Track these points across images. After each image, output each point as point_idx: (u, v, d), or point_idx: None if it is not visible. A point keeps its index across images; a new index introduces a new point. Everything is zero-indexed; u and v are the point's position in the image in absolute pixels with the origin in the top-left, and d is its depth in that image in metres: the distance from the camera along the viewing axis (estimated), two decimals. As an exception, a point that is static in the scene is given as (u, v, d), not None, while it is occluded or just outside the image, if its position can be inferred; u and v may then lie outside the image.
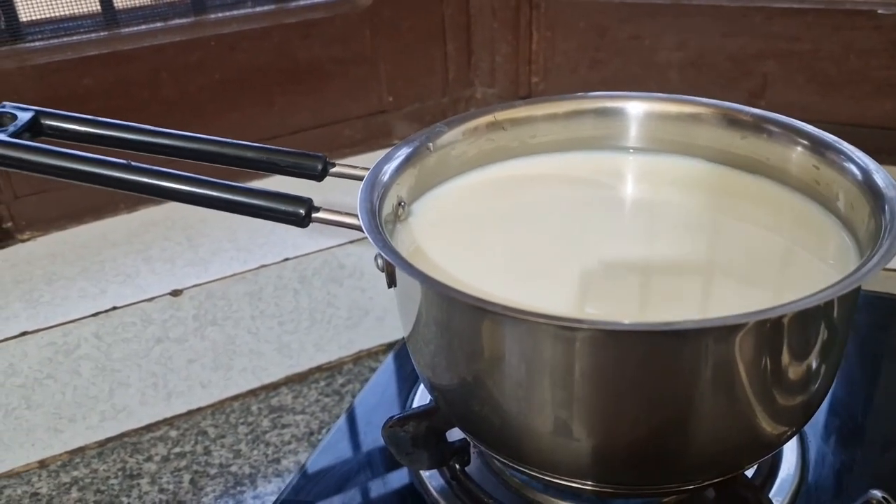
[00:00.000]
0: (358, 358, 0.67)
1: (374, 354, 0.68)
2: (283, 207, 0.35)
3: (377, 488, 0.44)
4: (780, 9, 0.66)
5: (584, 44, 0.73)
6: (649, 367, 0.33)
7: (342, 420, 0.51)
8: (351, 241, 0.64)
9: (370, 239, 0.33)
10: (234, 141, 0.38)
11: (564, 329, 0.31)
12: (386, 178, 0.38)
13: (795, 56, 0.67)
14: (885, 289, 0.57)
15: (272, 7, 0.72)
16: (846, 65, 0.66)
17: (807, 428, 0.46)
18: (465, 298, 0.30)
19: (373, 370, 0.65)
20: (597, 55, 0.73)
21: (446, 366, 0.36)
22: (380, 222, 0.35)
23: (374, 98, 0.78)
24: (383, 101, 0.78)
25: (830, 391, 0.48)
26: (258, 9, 0.72)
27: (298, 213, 0.35)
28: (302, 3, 0.73)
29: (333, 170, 0.39)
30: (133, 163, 0.34)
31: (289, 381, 0.65)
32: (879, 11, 0.63)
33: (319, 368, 0.66)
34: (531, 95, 0.78)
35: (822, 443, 0.45)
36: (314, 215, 0.35)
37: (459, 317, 0.33)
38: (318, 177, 0.39)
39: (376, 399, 0.52)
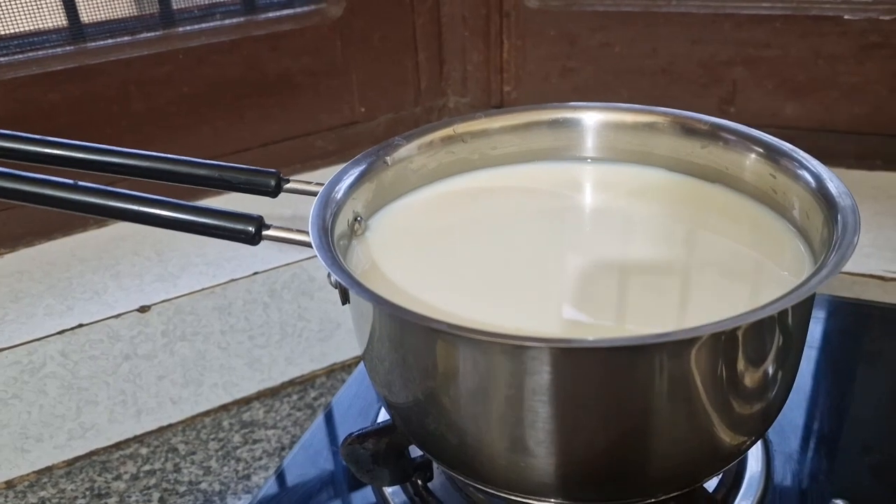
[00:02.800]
0: (331, 371, 0.67)
1: (348, 367, 0.67)
2: (232, 225, 0.34)
3: (341, 506, 0.44)
4: (749, 16, 0.66)
5: (555, 52, 0.73)
6: (603, 384, 0.33)
7: (307, 436, 0.51)
8: (321, 254, 0.64)
9: (319, 257, 0.32)
10: (186, 158, 0.37)
11: (515, 347, 0.31)
12: (340, 194, 0.38)
13: (764, 62, 0.67)
14: (853, 294, 0.57)
15: (241, 20, 0.72)
16: (814, 70, 0.66)
17: (772, 436, 0.46)
18: (413, 318, 0.30)
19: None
20: (568, 63, 0.73)
21: (401, 384, 0.35)
22: (332, 239, 0.35)
23: (347, 109, 0.77)
24: (355, 112, 0.78)
25: (805, 399, 0.49)
26: (226, 21, 0.71)
27: (248, 231, 0.34)
28: (271, 15, 0.73)
29: (287, 186, 0.39)
30: (80, 183, 0.33)
31: (260, 395, 0.65)
32: (845, 17, 0.63)
33: (292, 382, 0.66)
34: (504, 104, 0.78)
35: (787, 451, 0.45)
36: (265, 233, 0.35)
37: (411, 336, 0.33)
38: (272, 193, 0.38)
39: (342, 415, 0.52)
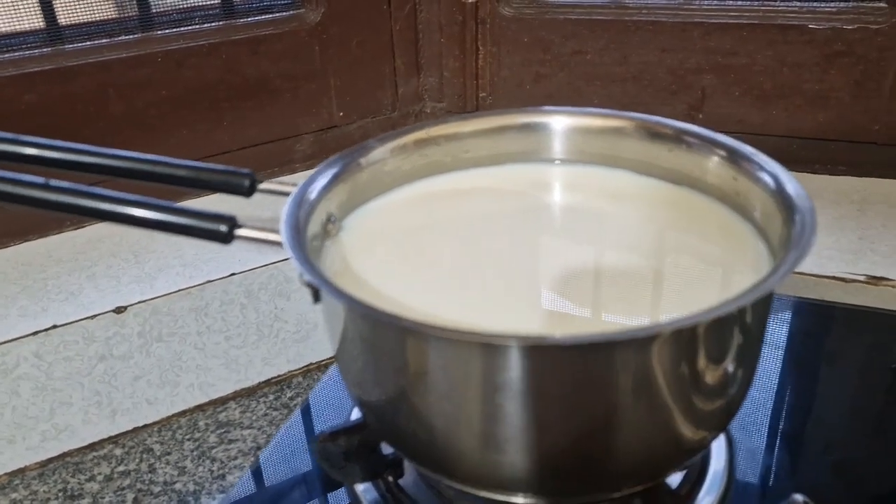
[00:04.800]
0: (307, 371, 0.67)
1: (324, 367, 0.68)
2: (205, 225, 0.35)
3: (314, 505, 0.45)
4: (717, 24, 0.68)
5: (529, 58, 0.75)
6: (568, 380, 0.33)
7: (281, 433, 0.51)
8: (297, 256, 0.64)
9: (291, 257, 0.33)
10: (160, 158, 0.38)
11: (482, 345, 0.32)
12: (314, 194, 0.39)
13: (732, 70, 0.69)
14: (816, 295, 0.58)
15: (220, 23, 0.73)
16: (780, 78, 0.67)
17: (736, 434, 0.47)
18: (382, 317, 0.31)
19: (323, 383, 0.65)
20: (541, 70, 0.75)
21: (373, 382, 0.36)
22: (304, 239, 0.36)
23: (325, 113, 0.78)
24: (333, 117, 0.78)
25: (769, 397, 0.50)
26: (205, 25, 0.72)
27: (220, 231, 0.35)
28: (250, 19, 0.74)
29: (261, 186, 0.39)
30: (51, 182, 0.34)
31: (237, 395, 0.65)
32: (810, 26, 0.65)
33: (268, 382, 0.66)
34: (480, 109, 0.79)
35: (750, 448, 0.46)
36: (237, 232, 0.35)
37: (381, 335, 0.34)
38: (246, 193, 0.39)
39: (317, 413, 0.52)
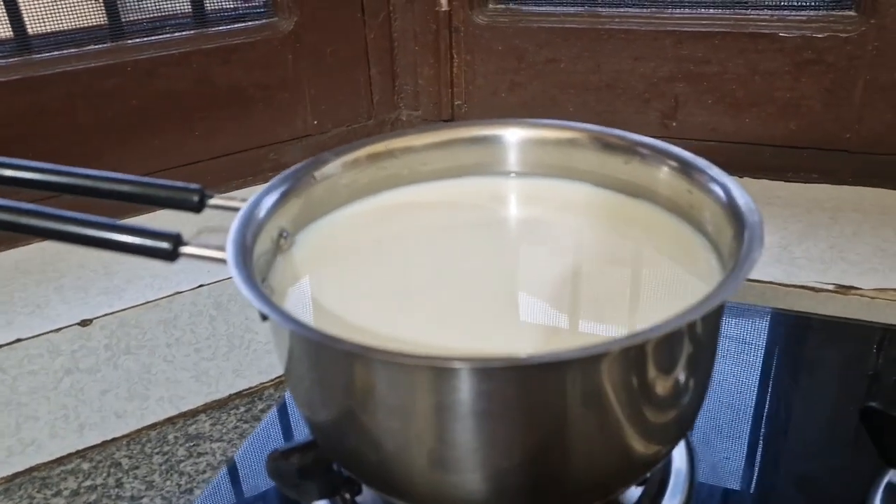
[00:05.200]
0: (279, 382, 0.67)
1: (295, 379, 0.67)
2: (148, 243, 0.34)
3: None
4: (689, 33, 0.68)
5: (503, 67, 0.74)
6: (518, 400, 0.33)
7: (243, 449, 0.51)
8: (267, 266, 0.64)
9: (234, 276, 0.33)
10: (105, 173, 0.38)
11: (429, 368, 0.31)
12: (263, 211, 0.38)
13: (704, 78, 0.68)
14: (786, 305, 0.58)
15: (191, 32, 0.72)
16: (752, 86, 0.67)
17: (697, 447, 0.47)
18: (323, 340, 0.30)
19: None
20: (516, 78, 0.74)
21: (320, 403, 0.36)
22: (251, 257, 0.35)
23: (299, 122, 0.78)
24: (308, 126, 0.78)
25: (734, 410, 0.49)
26: (177, 34, 0.72)
27: (164, 249, 0.35)
28: (222, 28, 0.73)
29: (211, 202, 0.39)
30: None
31: (207, 408, 0.65)
32: (781, 34, 0.65)
33: (239, 394, 0.66)
34: (455, 118, 0.79)
35: (712, 461, 0.46)
36: (182, 250, 0.35)
37: (326, 358, 0.33)
38: (196, 209, 0.39)
39: (276, 431, 0.52)
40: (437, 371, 0.31)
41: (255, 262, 0.36)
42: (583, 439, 0.35)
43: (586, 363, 0.33)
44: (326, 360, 0.33)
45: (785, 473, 0.45)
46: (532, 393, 0.33)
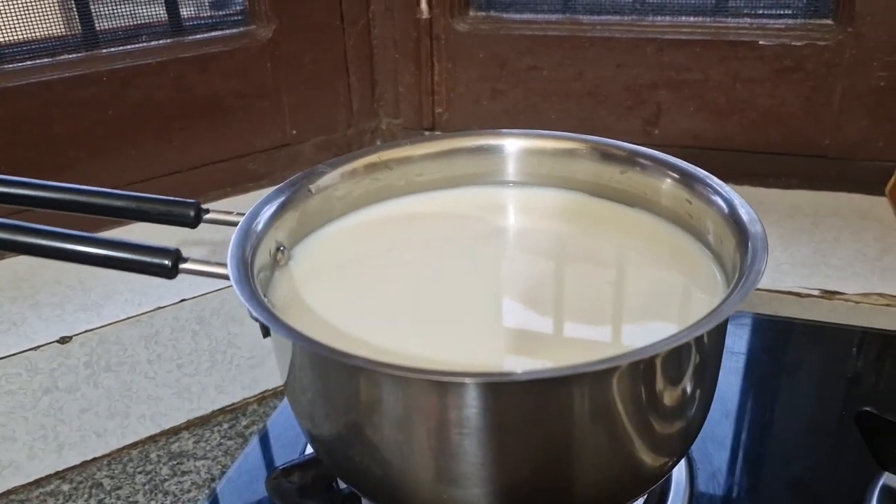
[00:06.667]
0: (263, 398, 0.66)
1: (280, 393, 0.66)
2: (147, 259, 0.33)
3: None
4: (670, 40, 0.68)
5: (485, 74, 0.74)
6: (525, 415, 0.33)
7: (236, 465, 0.50)
8: (251, 279, 0.63)
9: (237, 292, 0.32)
10: (99, 189, 0.37)
11: (436, 383, 0.31)
12: (261, 225, 0.37)
13: (686, 85, 0.69)
14: (772, 311, 0.59)
15: (168, 41, 0.71)
16: (733, 93, 0.68)
17: (696, 455, 0.47)
18: (331, 355, 0.30)
19: (279, 410, 0.63)
20: (497, 85, 0.74)
21: (324, 417, 0.35)
22: (252, 272, 0.35)
23: (278, 131, 0.77)
24: (287, 135, 0.77)
25: (727, 416, 0.50)
26: (153, 43, 0.70)
27: (164, 265, 0.33)
28: (199, 36, 0.72)
29: (207, 216, 0.38)
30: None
31: (190, 425, 0.63)
32: (760, 42, 0.66)
33: (223, 411, 0.64)
34: (436, 126, 0.78)
35: (710, 470, 0.46)
36: (182, 266, 0.34)
37: (331, 372, 0.33)
38: (192, 224, 0.38)
39: (273, 443, 0.51)
40: (447, 386, 0.31)
41: (256, 277, 0.35)
42: (591, 453, 0.35)
43: (596, 378, 0.32)
44: (333, 375, 0.33)
45: (782, 479, 0.46)
46: (541, 408, 0.33)
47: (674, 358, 0.34)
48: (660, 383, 0.34)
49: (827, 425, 0.51)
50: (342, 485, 0.42)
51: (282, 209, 0.40)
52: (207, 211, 0.38)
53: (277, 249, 0.40)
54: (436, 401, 0.32)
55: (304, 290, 0.39)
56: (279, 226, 0.39)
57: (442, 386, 0.31)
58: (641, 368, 0.33)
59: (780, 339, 0.58)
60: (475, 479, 0.34)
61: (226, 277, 0.33)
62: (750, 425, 0.50)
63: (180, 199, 0.37)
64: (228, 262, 0.34)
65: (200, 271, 0.34)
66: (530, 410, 0.32)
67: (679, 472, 0.45)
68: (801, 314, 0.58)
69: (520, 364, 0.37)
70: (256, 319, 0.35)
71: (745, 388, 0.53)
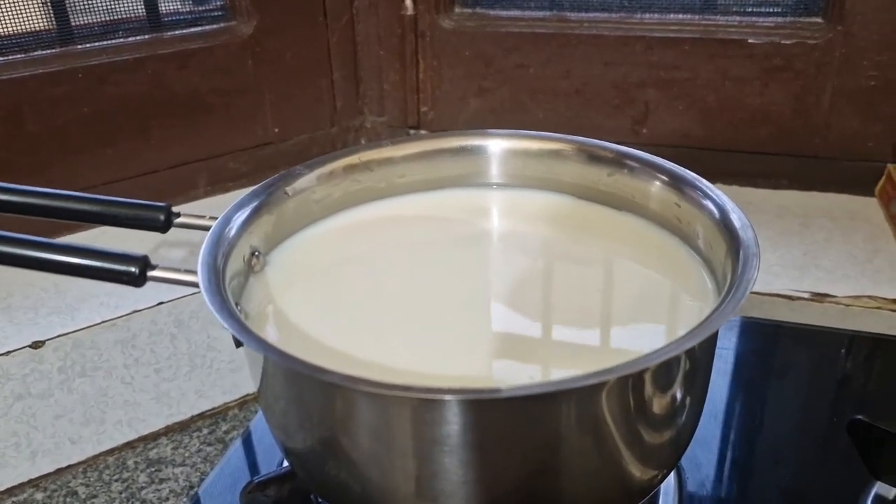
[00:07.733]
0: (243, 402, 0.64)
1: (261, 398, 0.65)
2: (112, 266, 0.32)
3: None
4: (658, 38, 0.67)
5: (471, 72, 0.73)
6: (510, 431, 0.32)
7: (213, 474, 0.48)
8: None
9: (207, 302, 0.30)
10: (65, 192, 0.35)
11: (419, 400, 0.29)
12: (234, 230, 0.36)
13: (675, 84, 0.68)
14: (761, 314, 0.58)
15: (146, 37, 0.69)
16: (722, 92, 0.67)
17: (685, 463, 0.46)
18: (304, 370, 0.28)
19: (259, 415, 0.62)
20: (484, 83, 0.73)
21: (298, 432, 0.34)
22: (223, 280, 0.33)
23: (259, 129, 0.75)
24: (269, 133, 0.75)
25: (716, 422, 0.49)
26: (131, 39, 0.68)
27: (131, 273, 0.32)
28: (178, 32, 0.70)
29: (178, 220, 0.37)
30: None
31: (169, 430, 0.62)
32: (750, 41, 0.65)
33: (202, 416, 0.63)
34: (421, 124, 0.77)
35: (699, 478, 0.45)
36: (150, 273, 0.33)
37: (305, 387, 0.31)
38: (162, 229, 0.36)
39: (251, 454, 0.49)
40: (427, 403, 0.30)
41: (228, 285, 0.34)
42: (578, 470, 0.34)
43: (584, 393, 0.31)
44: (307, 390, 0.31)
45: (772, 487, 0.45)
46: (527, 424, 0.32)
47: (663, 371, 0.33)
48: (649, 397, 0.33)
49: (817, 430, 0.50)
50: (319, 499, 0.40)
51: (256, 213, 0.38)
52: (178, 214, 0.37)
53: (252, 255, 0.38)
54: (417, 417, 0.31)
55: (280, 297, 0.38)
56: (254, 230, 0.38)
57: (423, 403, 0.29)
58: (631, 383, 0.32)
59: (769, 343, 0.57)
60: (458, 496, 0.33)
61: (196, 286, 0.32)
62: (739, 431, 0.49)
63: (150, 202, 0.36)
64: (199, 269, 0.32)
65: (169, 279, 0.33)
66: (515, 427, 0.31)
67: (668, 481, 0.44)
68: (791, 317, 0.57)
69: (507, 369, 0.36)
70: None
71: (734, 393, 0.52)
